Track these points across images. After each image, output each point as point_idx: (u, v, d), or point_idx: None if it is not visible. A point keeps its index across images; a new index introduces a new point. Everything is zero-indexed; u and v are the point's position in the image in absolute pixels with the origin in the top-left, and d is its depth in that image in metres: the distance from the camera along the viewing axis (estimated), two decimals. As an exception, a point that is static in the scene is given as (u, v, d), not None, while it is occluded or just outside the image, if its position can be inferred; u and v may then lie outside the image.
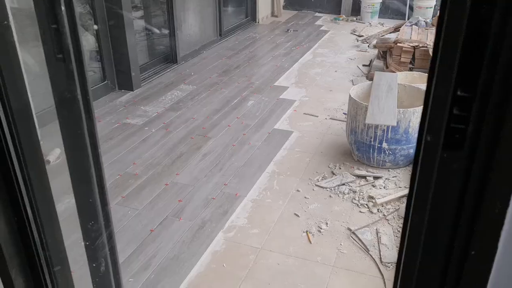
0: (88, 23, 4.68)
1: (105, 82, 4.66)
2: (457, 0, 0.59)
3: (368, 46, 6.31)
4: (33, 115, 1.17)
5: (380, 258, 2.53)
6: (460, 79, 0.64)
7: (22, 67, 1.10)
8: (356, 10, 8.11)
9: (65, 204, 2.73)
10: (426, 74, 3.98)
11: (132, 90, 4.75)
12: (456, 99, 0.66)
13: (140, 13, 5.71)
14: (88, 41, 4.65)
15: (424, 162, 0.69)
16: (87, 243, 1.20)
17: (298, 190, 3.14)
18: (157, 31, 5.72)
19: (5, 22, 1.04)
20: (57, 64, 1.06)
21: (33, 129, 1.17)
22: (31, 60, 3.91)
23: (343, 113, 4.27)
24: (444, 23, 0.61)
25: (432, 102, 0.66)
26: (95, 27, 4.49)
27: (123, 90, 4.76)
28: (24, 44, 3.67)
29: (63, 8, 0.99)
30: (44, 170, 1.20)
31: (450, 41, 0.61)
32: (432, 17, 7.07)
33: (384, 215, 2.87)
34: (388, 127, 3.15)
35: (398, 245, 2.52)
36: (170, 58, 5.56)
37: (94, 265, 1.23)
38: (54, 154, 3.38)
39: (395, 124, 3.07)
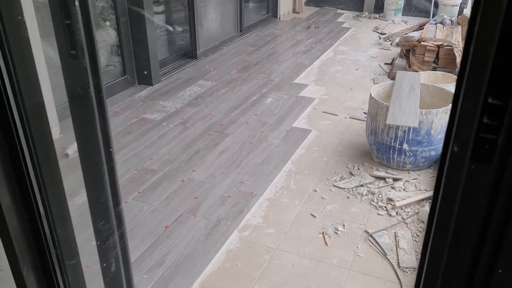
0: (110, 17, 4.71)
1: (125, 76, 4.67)
2: (492, -1, 0.54)
3: (391, 44, 6.19)
4: (46, 112, 1.16)
5: (398, 262, 2.47)
6: (492, 85, 0.59)
7: (35, 62, 1.08)
8: (379, 7, 7.97)
9: (83, 197, 2.75)
10: (450, 74, 3.90)
11: (152, 85, 4.76)
12: (486, 107, 0.61)
13: (161, 8, 5.72)
14: (109, 35, 4.68)
15: (450, 175, 0.64)
16: (98, 242, 1.18)
17: (315, 190, 3.09)
18: (177, 26, 5.72)
19: (20, 17, 1.02)
20: (70, 60, 1.03)
21: (46, 125, 1.16)
22: (54, 53, 3.94)
23: (363, 113, 4.19)
24: (477, 24, 0.56)
25: (461, 109, 0.61)
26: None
27: (142, 85, 4.77)
28: (47, 38, 3.70)
29: (77, 3, 0.97)
30: (57, 167, 1.19)
31: (482, 44, 0.56)
32: (458, 15, 6.90)
33: (403, 218, 2.80)
34: (409, 128, 3.07)
35: (417, 250, 2.45)
36: (189, 53, 5.55)
37: (104, 264, 1.22)
38: (73, 148, 3.40)
39: (417, 125, 2.99)
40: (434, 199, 0.72)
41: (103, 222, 1.16)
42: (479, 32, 0.56)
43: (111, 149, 1.12)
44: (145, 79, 4.77)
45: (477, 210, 0.66)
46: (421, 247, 0.79)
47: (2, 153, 1.12)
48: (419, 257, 2.50)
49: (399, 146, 3.16)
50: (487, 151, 0.63)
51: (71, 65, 1.04)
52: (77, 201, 2.50)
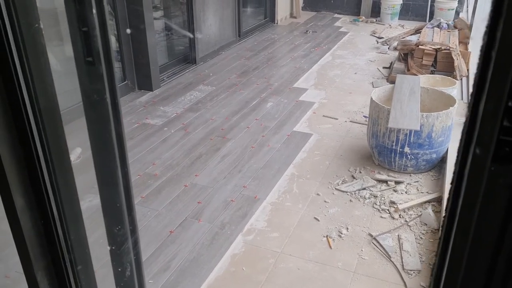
0: (110, 23, 4.71)
1: (125, 82, 4.68)
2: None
3: (389, 48, 6.23)
4: (61, 116, 1.17)
5: (402, 265, 2.48)
6: (512, 90, 0.61)
7: (55, 71, 1.09)
8: (375, 12, 8.03)
9: (91, 203, 2.76)
10: (449, 77, 3.93)
11: (152, 91, 4.77)
12: (506, 111, 0.63)
13: (160, 13, 5.73)
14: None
15: (471, 177, 0.66)
16: (113, 247, 1.19)
17: (318, 194, 3.11)
18: (176, 31, 5.74)
19: (36, 25, 1.04)
20: (87, 67, 1.05)
21: (61, 131, 1.17)
22: (54, 60, 3.95)
23: (363, 116, 4.22)
24: (499, 29, 0.58)
25: (483, 112, 0.62)
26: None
27: (142, 90, 4.78)
28: (47, 43, 3.70)
29: (94, 11, 0.99)
30: (71, 173, 1.20)
31: (505, 49, 0.58)
32: (454, 19, 6.95)
33: (406, 221, 2.82)
34: (410, 131, 3.10)
35: (420, 252, 2.45)
36: (189, 58, 5.57)
37: (119, 269, 1.22)
38: (75, 154, 3.40)
39: (418, 129, 3.02)
40: (453, 201, 0.73)
41: (119, 227, 1.17)
42: (502, 38, 0.58)
43: (125, 154, 1.14)
44: (145, 85, 4.78)
45: (497, 211, 0.68)
46: (438, 249, 0.80)
47: (17, 157, 1.13)
48: (423, 259, 2.52)
49: (401, 149, 3.18)
50: (507, 153, 0.65)
51: (88, 71, 1.05)
52: (83, 206, 2.50)
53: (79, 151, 3.42)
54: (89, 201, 2.81)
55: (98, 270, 1.55)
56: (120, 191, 1.16)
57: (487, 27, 0.63)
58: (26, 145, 1.12)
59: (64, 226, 1.23)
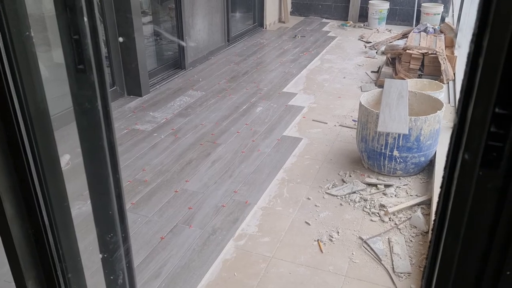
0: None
1: (114, 87, 4.66)
2: (502, 12, 0.57)
3: (376, 52, 6.29)
4: (52, 124, 1.17)
5: (393, 268, 2.50)
6: (499, 96, 0.63)
7: (42, 77, 1.09)
8: (363, 16, 8.10)
9: (75, 210, 2.73)
10: (436, 81, 3.97)
11: (141, 96, 4.75)
12: (494, 116, 0.64)
13: (148, 18, 5.73)
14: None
15: (461, 181, 0.67)
16: (105, 255, 1.18)
17: (308, 198, 3.12)
18: (165, 36, 5.73)
19: (27, 33, 1.03)
20: (78, 75, 1.05)
21: (51, 140, 1.17)
22: (41, 66, 3.92)
23: (352, 120, 4.25)
24: (486, 38, 0.59)
25: (471, 119, 0.64)
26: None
27: (131, 96, 4.76)
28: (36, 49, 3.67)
29: (85, 19, 0.99)
30: (62, 182, 1.19)
31: (492, 57, 0.60)
32: (440, 24, 7.05)
33: (395, 224, 2.84)
34: (399, 135, 3.13)
35: (411, 255, 2.47)
36: (178, 64, 5.56)
37: (111, 277, 1.22)
38: (63, 160, 3.37)
39: (407, 132, 3.05)
40: (443, 205, 0.75)
41: (111, 235, 1.16)
42: (488, 46, 0.59)
43: (117, 162, 1.13)
44: (135, 90, 4.76)
45: (486, 214, 0.69)
46: (429, 252, 0.82)
47: (7, 166, 1.12)
48: (413, 262, 2.54)
49: (390, 153, 3.21)
50: (494, 158, 0.67)
51: (79, 79, 1.05)
52: (72, 213, 2.49)
53: (67, 157, 3.39)
54: (78, 208, 2.79)
55: (88, 278, 1.54)
56: (112, 199, 1.16)
57: (474, 35, 0.64)
58: (17, 153, 1.11)
59: (55, 235, 1.22)
